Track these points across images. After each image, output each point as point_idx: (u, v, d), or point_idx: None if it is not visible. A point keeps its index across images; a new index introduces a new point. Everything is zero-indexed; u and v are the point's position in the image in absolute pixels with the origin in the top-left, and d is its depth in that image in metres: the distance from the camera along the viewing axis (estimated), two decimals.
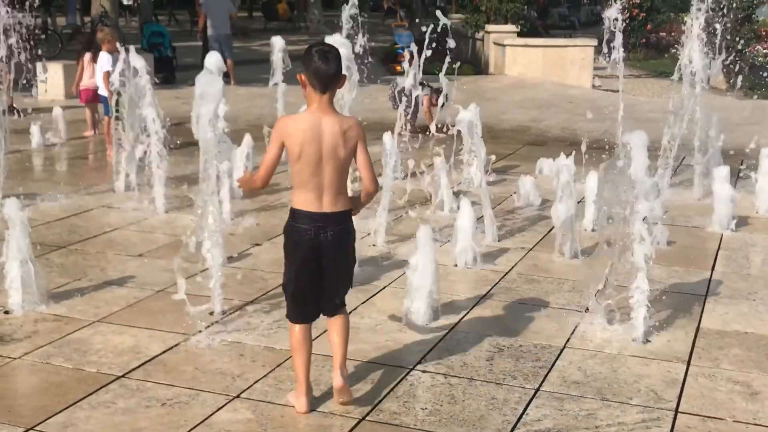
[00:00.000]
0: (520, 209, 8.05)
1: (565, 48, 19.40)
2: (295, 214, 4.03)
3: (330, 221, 3.98)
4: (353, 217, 4.10)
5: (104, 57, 10.13)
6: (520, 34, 20.52)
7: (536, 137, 12.07)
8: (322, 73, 3.92)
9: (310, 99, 3.98)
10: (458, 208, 6.52)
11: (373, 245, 6.78)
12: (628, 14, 24.11)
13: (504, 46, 19.47)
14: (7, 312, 5.32)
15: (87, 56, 11.36)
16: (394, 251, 6.69)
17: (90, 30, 21.71)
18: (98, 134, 11.46)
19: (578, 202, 6.90)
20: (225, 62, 16.46)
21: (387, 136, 7.00)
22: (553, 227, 6.85)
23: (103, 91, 10.24)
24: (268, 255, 6.60)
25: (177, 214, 7.66)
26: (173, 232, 7.15)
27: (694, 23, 8.35)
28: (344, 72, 4.01)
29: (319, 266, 4.03)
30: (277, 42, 10.00)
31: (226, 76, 14.49)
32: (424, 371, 4.59)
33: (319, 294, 4.12)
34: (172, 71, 16.86)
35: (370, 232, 6.88)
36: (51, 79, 14.76)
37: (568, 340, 5.03)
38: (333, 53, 3.96)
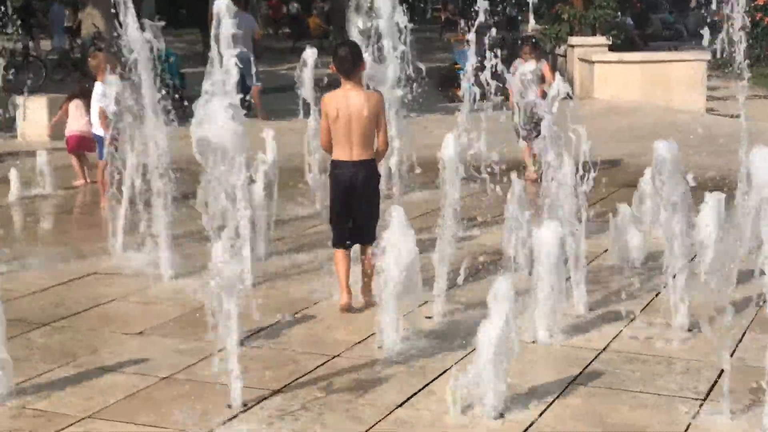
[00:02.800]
0: (617, 269, 7.99)
1: (670, 63, 19.35)
2: (335, 162, 6.89)
3: (359, 166, 6.82)
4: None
5: (99, 89, 10.36)
6: (612, 48, 20.54)
7: (635, 176, 11.93)
8: (342, 61, 6.83)
9: (342, 81, 6.84)
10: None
11: (429, 317, 6.77)
12: (750, 19, 24.01)
13: (592, 62, 19.50)
14: None
15: (75, 101, 11.66)
16: (455, 324, 6.66)
17: (80, 55, 22.23)
18: (91, 183, 11.68)
19: (691, 259, 6.82)
20: (245, 91, 16.71)
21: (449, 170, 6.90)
22: (659, 291, 6.79)
23: (98, 130, 10.44)
24: (301, 330, 6.62)
25: (187, 280, 7.73)
26: (182, 302, 7.21)
27: None
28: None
29: (353, 199, 6.82)
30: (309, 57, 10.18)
31: (245, 105, 14.71)
32: None
33: (354, 221, 6.89)
34: (180, 103, 17.15)
35: (427, 300, 6.88)
36: (33, 115, 15.11)
37: None
38: (351, 45, 7.13)
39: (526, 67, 10.90)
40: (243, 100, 6.92)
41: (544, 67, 11.66)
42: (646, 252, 8.09)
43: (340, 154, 6.87)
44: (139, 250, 8.43)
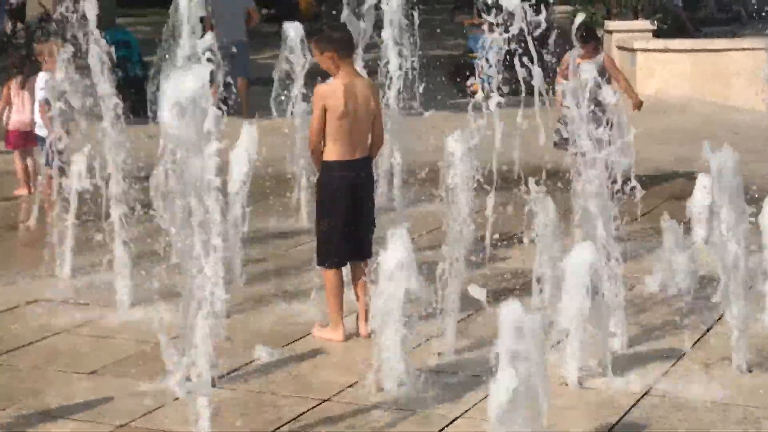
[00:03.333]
0: (662, 297, 7.98)
1: (727, 52, 19.34)
2: (331, 165, 6.92)
3: (362, 165, 7.00)
4: None
5: (44, 79, 10.35)
6: (657, 34, 20.55)
7: (684, 187, 11.92)
8: (345, 39, 7.03)
9: (337, 68, 6.92)
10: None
11: (438, 354, 6.76)
12: None
13: (633, 50, 19.53)
14: None
15: (17, 81, 11.59)
16: (469, 363, 6.64)
17: (24, 40, 22.25)
18: (36, 193, 11.65)
19: (750, 287, 6.81)
20: (230, 84, 16.59)
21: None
22: (713, 323, 6.78)
23: (41, 130, 10.42)
24: (283, 369, 6.60)
25: (147, 309, 7.70)
26: (141, 336, 7.19)
27: None
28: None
29: (354, 204, 6.93)
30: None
31: (225, 103, 14.63)
32: None
33: (354, 233, 6.93)
34: (142, 97, 17.12)
35: (433, 335, 6.87)
36: None
37: None
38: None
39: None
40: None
41: (607, 61, 10.78)
42: (698, 277, 8.07)
43: (341, 153, 6.91)
44: (91, 273, 8.42)
